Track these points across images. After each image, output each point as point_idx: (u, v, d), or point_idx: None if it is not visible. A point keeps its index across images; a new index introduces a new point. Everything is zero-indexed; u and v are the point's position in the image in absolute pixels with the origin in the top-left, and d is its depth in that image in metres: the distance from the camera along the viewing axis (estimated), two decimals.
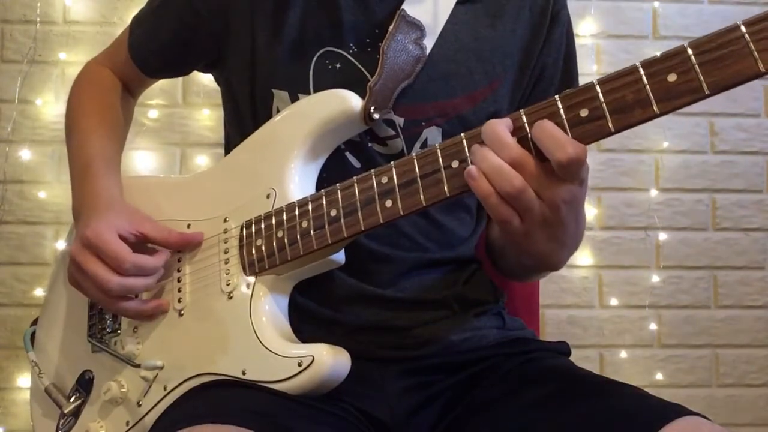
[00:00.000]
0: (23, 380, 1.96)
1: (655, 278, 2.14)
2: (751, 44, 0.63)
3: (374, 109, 0.91)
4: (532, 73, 1.02)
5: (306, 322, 0.92)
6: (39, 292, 1.97)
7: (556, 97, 0.72)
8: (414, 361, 0.94)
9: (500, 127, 0.72)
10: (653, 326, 2.14)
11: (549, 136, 0.70)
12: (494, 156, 0.71)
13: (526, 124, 0.72)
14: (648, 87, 0.67)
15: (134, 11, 1.16)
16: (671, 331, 2.15)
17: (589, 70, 2.09)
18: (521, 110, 0.73)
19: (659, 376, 2.13)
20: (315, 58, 0.96)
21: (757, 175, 2.19)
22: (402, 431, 0.91)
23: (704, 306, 2.16)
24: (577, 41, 1.09)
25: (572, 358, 1.00)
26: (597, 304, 2.14)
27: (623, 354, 2.13)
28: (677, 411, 0.74)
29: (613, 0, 2.17)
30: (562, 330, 2.11)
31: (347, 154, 0.96)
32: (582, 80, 1.08)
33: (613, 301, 2.14)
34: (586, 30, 2.13)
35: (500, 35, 1.00)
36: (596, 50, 2.15)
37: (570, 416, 0.79)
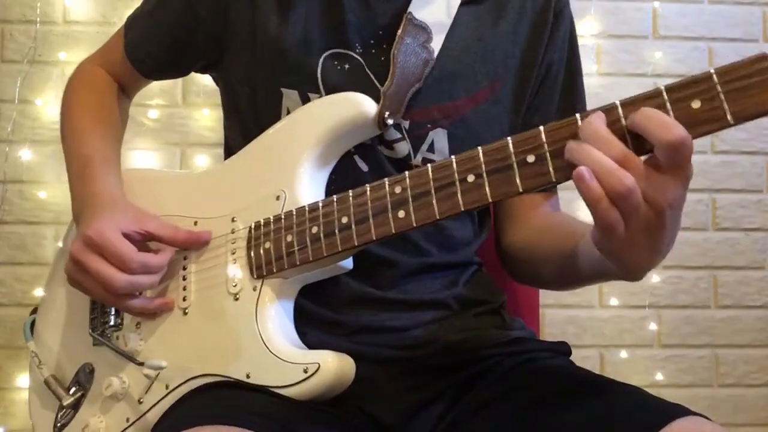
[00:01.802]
0: (23, 380, 1.95)
1: (655, 278, 2.14)
2: None
3: (388, 115, 0.90)
4: (538, 71, 1.02)
5: (307, 323, 0.92)
6: (39, 292, 1.96)
7: (577, 116, 0.70)
8: (414, 361, 0.94)
9: (599, 122, 0.67)
10: (653, 326, 2.14)
11: (654, 119, 0.64)
12: (599, 153, 0.66)
13: (622, 116, 0.67)
14: (671, 112, 0.65)
15: None
16: (671, 331, 2.15)
17: (589, 69, 2.09)
18: (614, 103, 0.68)
19: (659, 376, 2.13)
20: (323, 59, 0.95)
21: (757, 175, 2.19)
22: (403, 431, 0.91)
23: (704, 306, 2.16)
24: (578, 40, 1.09)
25: (572, 358, 1.00)
26: (597, 304, 2.14)
27: (623, 354, 2.13)
28: (678, 411, 0.74)
29: (613, 0, 2.17)
30: (562, 330, 2.11)
31: (356, 157, 0.95)
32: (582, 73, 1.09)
33: (613, 301, 2.14)
34: (586, 30, 2.13)
35: (502, 35, 1.00)
36: (596, 50, 2.14)
37: (570, 416, 0.78)
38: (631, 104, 0.67)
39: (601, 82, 2.11)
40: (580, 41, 1.09)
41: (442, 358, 0.94)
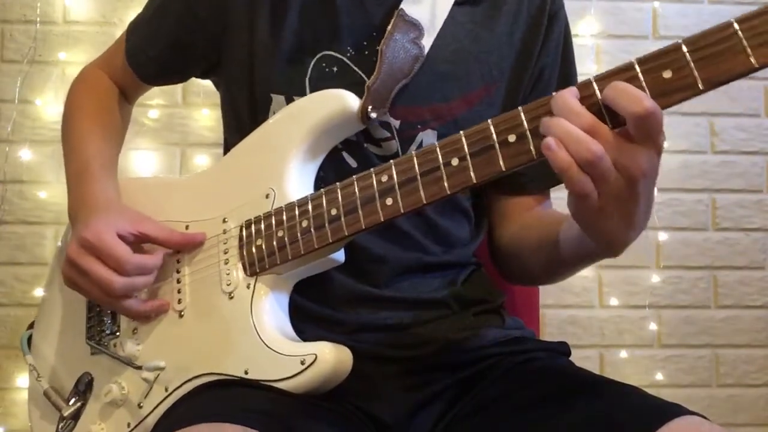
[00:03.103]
0: (23, 380, 1.96)
1: (655, 278, 2.14)
2: (744, 41, 0.64)
3: (371, 108, 0.91)
4: (531, 73, 1.02)
5: (306, 322, 0.93)
6: (39, 292, 1.97)
7: (553, 94, 0.72)
8: (413, 360, 0.94)
9: (569, 96, 0.70)
10: (653, 326, 2.14)
11: (623, 92, 0.66)
12: (568, 124, 0.68)
13: (597, 91, 0.69)
14: (644, 83, 0.68)
15: (134, 11, 1.16)
16: (671, 331, 2.15)
17: (589, 69, 2.09)
18: (589, 79, 0.71)
19: (659, 376, 2.13)
20: (313, 63, 0.96)
21: (757, 175, 2.19)
22: (403, 430, 0.91)
23: (704, 306, 2.16)
24: (577, 41, 1.09)
25: (572, 358, 1.00)
26: (597, 304, 2.14)
27: (623, 354, 2.13)
28: (676, 410, 0.74)
29: (613, 0, 2.17)
30: (562, 330, 2.11)
31: (344, 153, 0.96)
32: (581, 80, 1.09)
33: (613, 301, 2.14)
34: (586, 30, 2.13)
35: (497, 37, 1.00)
36: (596, 50, 2.14)
37: (569, 416, 0.79)
38: (605, 78, 0.70)
39: None
40: (580, 41, 1.10)
41: (441, 357, 0.94)
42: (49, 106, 2.02)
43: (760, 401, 2.15)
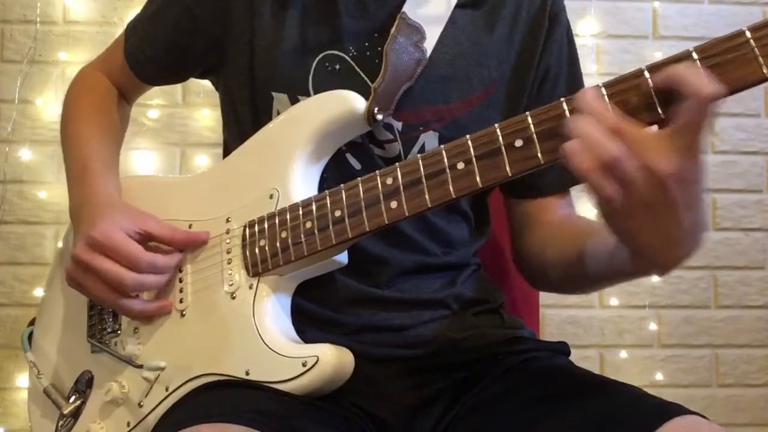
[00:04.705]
0: (23, 380, 1.96)
1: (655, 278, 2.14)
2: (756, 49, 0.63)
3: (378, 110, 0.90)
4: (535, 75, 1.02)
5: (307, 323, 0.92)
6: (39, 292, 1.97)
7: (562, 100, 0.71)
8: (414, 360, 0.94)
9: (592, 95, 0.67)
10: (653, 326, 2.14)
11: (696, 73, 0.63)
12: (589, 124, 0.65)
13: (648, 79, 0.66)
14: (653, 90, 0.66)
15: (134, 11, 1.16)
16: (671, 331, 2.15)
17: (589, 69, 2.09)
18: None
19: (659, 376, 2.13)
20: (316, 62, 0.96)
21: (757, 175, 2.19)
22: (404, 430, 0.91)
23: (704, 306, 2.16)
24: (577, 41, 1.09)
25: (572, 358, 1.00)
26: (597, 304, 2.14)
27: (623, 354, 2.13)
28: (676, 410, 0.74)
29: (613, 0, 2.17)
30: (562, 330, 2.11)
31: (348, 155, 0.96)
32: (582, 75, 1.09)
33: (613, 301, 2.14)
34: (586, 30, 2.13)
35: (497, 40, 1.00)
36: (596, 50, 2.14)
37: (569, 416, 0.79)
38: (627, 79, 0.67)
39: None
40: (580, 41, 1.09)
41: (442, 358, 0.94)
42: (49, 106, 2.02)
43: (760, 401, 2.15)
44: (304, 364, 0.83)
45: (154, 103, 2.03)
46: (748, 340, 2.15)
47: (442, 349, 0.94)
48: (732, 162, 2.17)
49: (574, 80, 1.05)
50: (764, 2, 2.20)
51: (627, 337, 2.14)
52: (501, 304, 1.04)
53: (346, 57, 0.96)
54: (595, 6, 2.15)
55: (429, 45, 0.95)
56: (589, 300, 2.13)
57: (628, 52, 2.14)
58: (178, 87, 2.03)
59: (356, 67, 0.95)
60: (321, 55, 0.96)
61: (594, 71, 2.12)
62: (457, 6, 0.98)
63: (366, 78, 0.94)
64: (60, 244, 1.17)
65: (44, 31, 2.05)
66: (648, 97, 0.67)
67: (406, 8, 0.95)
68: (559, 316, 2.13)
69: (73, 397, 1.00)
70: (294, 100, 0.96)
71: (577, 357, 0.98)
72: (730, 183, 2.17)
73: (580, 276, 0.91)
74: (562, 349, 1.00)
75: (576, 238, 0.92)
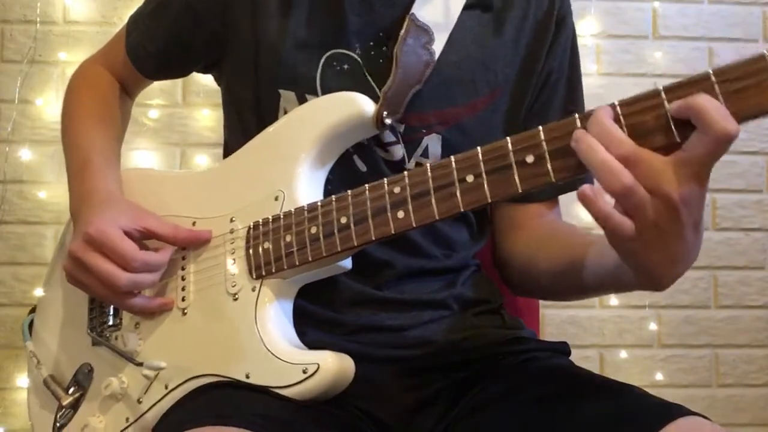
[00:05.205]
0: (23, 380, 1.96)
1: None
2: None
3: (386, 114, 0.90)
4: (537, 79, 1.02)
5: (307, 323, 0.92)
6: (39, 292, 1.93)
7: (576, 116, 0.69)
8: (414, 360, 0.94)
9: (607, 120, 0.66)
10: (653, 326, 2.14)
11: (720, 107, 0.63)
12: (603, 152, 0.65)
13: (665, 102, 0.65)
14: (670, 116, 0.65)
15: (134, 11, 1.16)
16: (671, 331, 2.15)
17: (589, 69, 2.09)
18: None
19: (659, 376, 2.13)
20: (323, 60, 0.95)
21: (757, 175, 2.19)
22: (404, 430, 0.91)
23: (704, 306, 2.16)
24: (578, 41, 1.08)
25: (572, 358, 1.00)
26: (597, 304, 2.14)
27: (623, 354, 2.13)
28: (678, 411, 0.74)
29: (613, 0, 2.17)
30: (562, 330, 2.11)
31: (354, 157, 0.95)
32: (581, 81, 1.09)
33: (613, 301, 2.14)
34: (586, 30, 2.13)
35: (504, 43, 0.99)
36: (596, 50, 2.14)
37: (570, 416, 0.78)
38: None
39: (601, 82, 2.11)
40: (580, 41, 1.09)
41: (442, 358, 0.94)
42: (49, 106, 2.02)
43: (760, 401, 2.15)
44: (304, 371, 0.82)
45: (154, 103, 2.03)
46: (748, 340, 2.16)
47: (442, 349, 0.94)
48: (732, 162, 2.17)
49: (573, 85, 1.05)
50: (764, 2, 2.20)
51: (627, 337, 2.14)
52: (501, 304, 1.04)
53: (353, 55, 0.95)
54: (595, 6, 2.15)
55: (437, 47, 0.95)
56: (589, 300, 2.13)
57: (628, 52, 2.14)
58: (178, 87, 2.03)
59: (363, 67, 0.95)
60: (328, 54, 0.95)
61: (594, 71, 2.12)
62: (465, 8, 0.98)
63: (371, 78, 0.94)
64: (60, 241, 1.16)
65: (44, 31, 2.04)
66: (664, 122, 0.66)
67: (414, 9, 0.95)
68: (559, 316, 2.13)
69: (72, 389, 1.00)
70: (302, 99, 0.95)
71: (577, 357, 0.98)
72: (730, 183, 2.17)
73: (576, 284, 0.91)
74: (562, 349, 1.00)
75: (569, 248, 0.91)
